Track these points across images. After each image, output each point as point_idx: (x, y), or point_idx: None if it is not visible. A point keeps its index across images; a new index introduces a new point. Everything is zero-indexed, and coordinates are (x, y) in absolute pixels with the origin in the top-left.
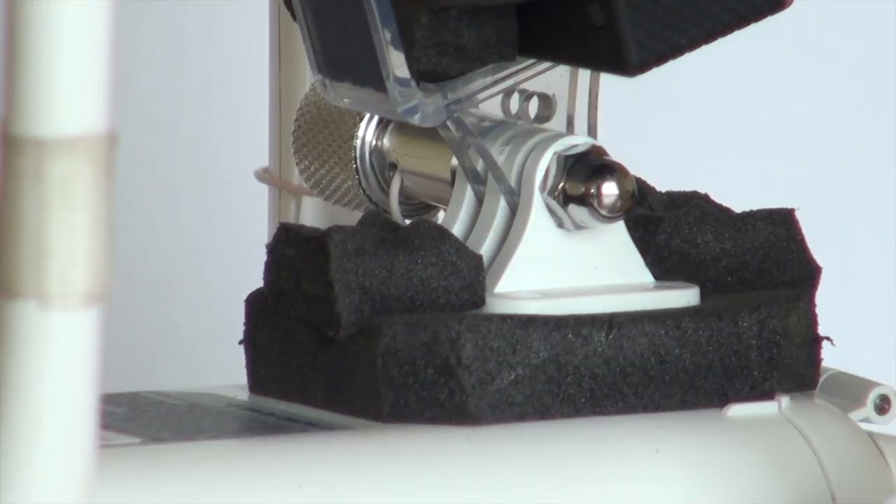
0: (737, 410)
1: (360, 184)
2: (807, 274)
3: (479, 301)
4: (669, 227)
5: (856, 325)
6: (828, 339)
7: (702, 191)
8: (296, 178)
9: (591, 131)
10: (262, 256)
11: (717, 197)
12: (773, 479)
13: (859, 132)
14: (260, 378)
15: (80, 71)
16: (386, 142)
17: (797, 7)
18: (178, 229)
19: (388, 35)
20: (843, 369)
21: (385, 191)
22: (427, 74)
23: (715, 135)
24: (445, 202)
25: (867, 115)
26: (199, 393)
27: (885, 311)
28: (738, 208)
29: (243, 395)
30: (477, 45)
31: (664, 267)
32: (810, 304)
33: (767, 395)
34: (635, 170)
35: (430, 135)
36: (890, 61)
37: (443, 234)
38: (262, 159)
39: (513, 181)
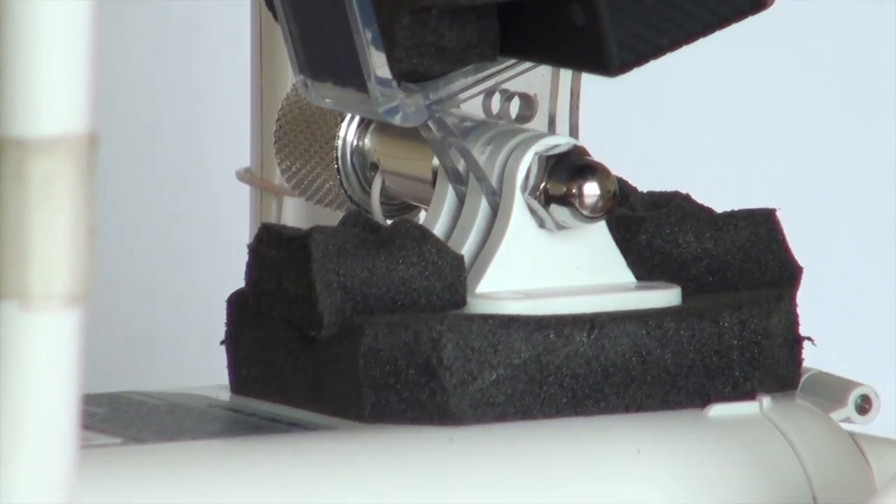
0: (718, 410)
1: (341, 184)
2: (788, 274)
3: (461, 301)
4: (651, 227)
5: (837, 325)
6: (809, 339)
7: (683, 191)
8: (277, 178)
9: (573, 131)
10: (244, 257)
11: (699, 197)
12: (755, 480)
13: (841, 133)
14: (242, 378)
15: (62, 71)
16: (367, 142)
17: (778, 7)
18: (160, 230)
19: (369, 35)
20: (824, 369)
21: (366, 191)
22: (408, 75)
23: (696, 135)
24: (427, 202)
25: (848, 116)
26: (181, 393)
27: (866, 312)
28: (719, 208)
29: (225, 395)
30: (458, 46)
31: (646, 267)
32: (791, 304)
33: (749, 396)
34: (617, 170)
35: (411, 135)
36: (870, 63)
37: (424, 234)
38: (244, 159)
39: (494, 181)
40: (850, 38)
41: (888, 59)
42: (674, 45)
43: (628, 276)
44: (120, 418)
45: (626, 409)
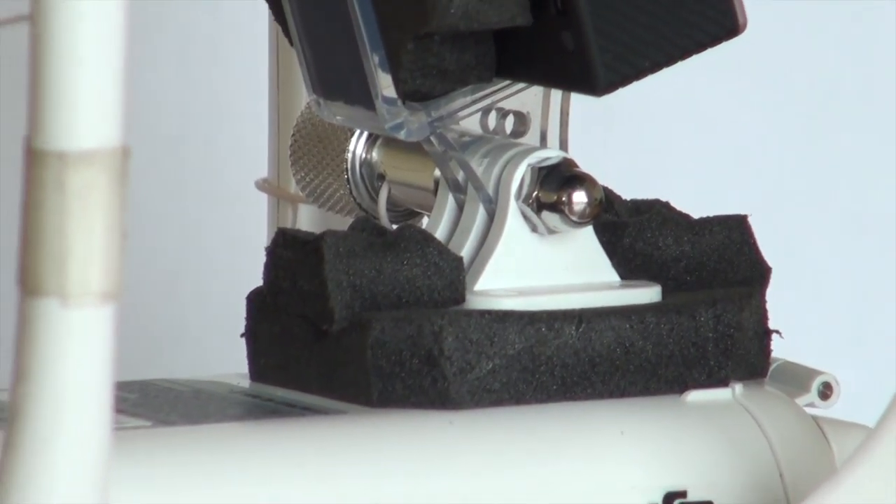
0: (694, 396)
1: (351, 193)
2: (758, 274)
3: (460, 298)
4: (634, 231)
5: (802, 319)
6: (777, 332)
7: (663, 199)
8: (293, 187)
9: (563, 145)
10: (262, 258)
11: (677, 204)
12: (727, 459)
13: (804, 147)
14: (260, 367)
15: (97, 90)
16: (375, 155)
17: (750, 33)
18: (186, 234)
19: (376, 59)
20: (790, 359)
21: (374, 199)
22: (412, 94)
23: (675, 148)
24: (429, 209)
25: (813, 130)
26: (205, 381)
27: (828, 308)
28: (696, 214)
29: (245, 382)
30: (458, 68)
31: (629, 267)
32: (761, 300)
33: (722, 383)
34: (602, 180)
35: (415, 149)
36: (833, 82)
37: (427, 237)
38: (262, 170)
39: (491, 190)
40: (815, 56)
41: (851, 77)
42: (654, 67)
43: (613, 276)
44: (150, 403)
45: (611, 395)
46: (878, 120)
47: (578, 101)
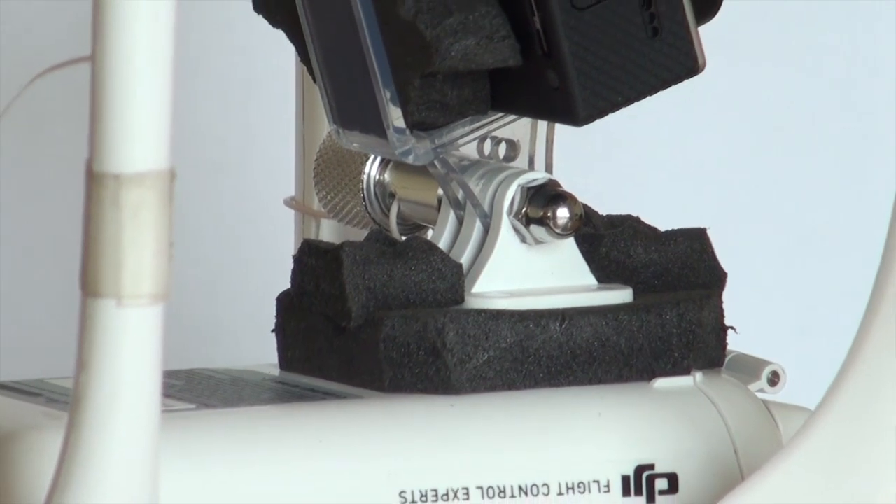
0: (661, 383)
1: (366, 209)
2: (716, 278)
3: (460, 299)
4: (609, 242)
5: (753, 317)
6: (732, 328)
7: (635, 214)
8: (316, 204)
9: (548, 168)
10: (290, 265)
11: (647, 219)
12: (689, 436)
13: (754, 169)
14: (288, 359)
15: (148, 121)
16: (386, 176)
17: (709, 68)
18: (224, 244)
19: (388, 94)
20: (743, 351)
21: (386, 214)
22: (419, 125)
23: (645, 171)
24: (433, 223)
25: (760, 155)
26: (241, 370)
27: (775, 307)
28: (662, 227)
29: (275, 372)
30: (458, 102)
31: (605, 273)
32: (719, 301)
33: (685, 372)
34: (583, 198)
35: (421, 171)
36: (779, 115)
37: (431, 247)
38: (290, 189)
39: (486, 207)
40: (767, 82)
41: (798, 105)
42: (627, 102)
43: (591, 280)
44: (193, 389)
45: (590, 382)
46: (818, 145)
47: (562, 130)
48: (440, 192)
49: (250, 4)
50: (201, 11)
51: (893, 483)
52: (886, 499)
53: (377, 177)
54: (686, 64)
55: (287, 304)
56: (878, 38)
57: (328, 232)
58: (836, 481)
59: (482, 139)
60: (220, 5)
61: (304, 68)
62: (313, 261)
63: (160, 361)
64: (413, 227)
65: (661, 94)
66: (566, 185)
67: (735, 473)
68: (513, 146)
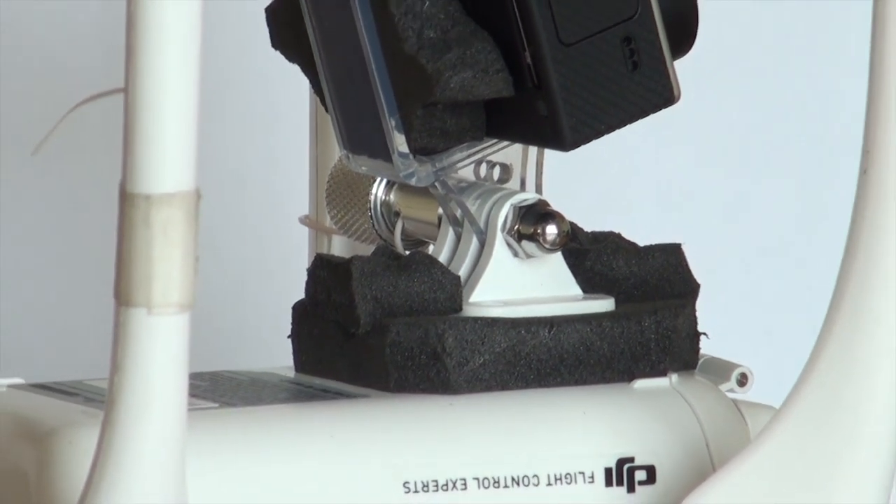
0: (640, 384)
1: (373, 226)
2: (690, 289)
3: (458, 308)
4: (593, 256)
5: (723, 323)
6: (704, 334)
7: (616, 231)
8: (328, 222)
9: (538, 189)
10: (304, 277)
11: (627, 235)
12: (666, 432)
13: (726, 190)
14: (303, 362)
15: (176, 147)
16: (392, 197)
17: (683, 99)
18: (245, 257)
19: (393, 122)
20: (714, 355)
21: (391, 231)
22: (421, 150)
23: (625, 192)
24: (434, 239)
25: (728, 176)
26: (260, 372)
27: (743, 314)
28: (641, 243)
29: (291, 374)
30: (456, 129)
31: (589, 284)
32: (692, 309)
33: (662, 374)
34: (569, 216)
35: (423, 192)
36: (743, 139)
37: (432, 261)
38: (304, 209)
39: (482, 224)
40: (732, 111)
41: (758, 130)
42: (609, 129)
43: (577, 290)
44: (217, 389)
45: (576, 383)
46: (778, 168)
47: (550, 155)
48: (440, 211)
49: (268, 40)
50: (224, 48)
51: (846, 475)
52: (841, 487)
53: (383, 197)
54: (663, 95)
55: (302, 312)
56: (838, 63)
57: (339, 247)
58: (797, 473)
59: (478, 163)
60: (242, 42)
61: (318, 99)
62: (325, 273)
63: (186, 364)
64: (416, 242)
65: (640, 121)
66: (554, 205)
67: (707, 466)
68: (506, 169)
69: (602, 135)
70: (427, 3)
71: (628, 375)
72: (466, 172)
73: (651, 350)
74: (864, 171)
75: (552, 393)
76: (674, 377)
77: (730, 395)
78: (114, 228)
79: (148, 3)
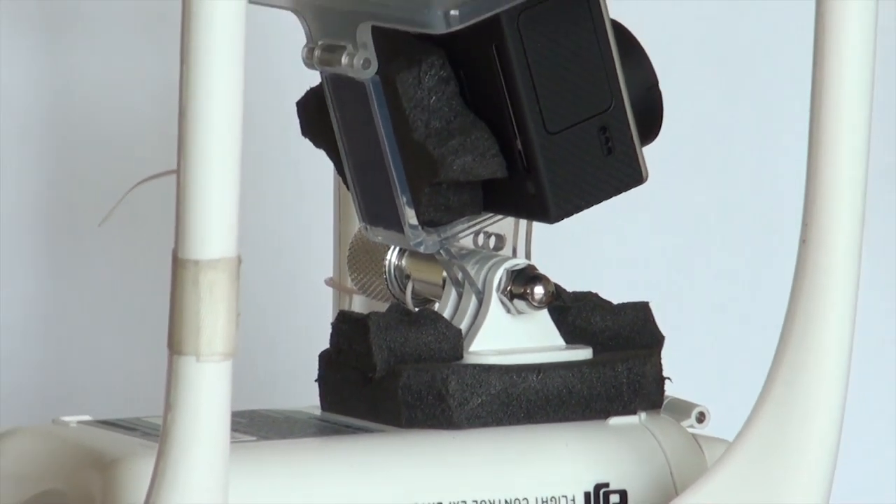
0: (615, 421)
1: (388, 287)
2: (656, 340)
3: (460, 356)
4: (574, 312)
5: (684, 369)
6: (669, 378)
7: (594, 291)
8: (349, 283)
9: (528, 256)
10: (329, 330)
11: (603, 294)
12: (636, 461)
13: (686, 258)
14: (328, 402)
15: (221, 219)
16: (404, 262)
17: (650, 180)
18: (279, 314)
19: (404, 199)
20: (677, 396)
21: (403, 291)
22: (428, 222)
23: (602, 258)
24: (439, 298)
25: (691, 248)
26: (292, 411)
27: (701, 362)
28: (615, 301)
29: (318, 412)
30: (458, 205)
31: (571, 336)
32: (659, 358)
33: (633, 413)
34: (554, 279)
35: (430, 258)
36: (699, 215)
37: (438, 316)
38: (329, 271)
39: (480, 286)
40: (691, 194)
41: (716, 204)
42: (588, 205)
43: (560, 342)
44: (255, 425)
45: (560, 420)
46: (730, 239)
47: (538, 227)
48: (445, 274)
49: (298, 129)
50: (263, 136)
51: (789, 498)
52: None
53: (396, 262)
54: (634, 176)
55: (327, 360)
56: (784, 115)
57: (359, 305)
58: (747, 497)
59: (477, 233)
60: (276, 131)
61: (340, 179)
62: (347, 327)
63: (229, 404)
64: (424, 301)
65: (614, 199)
66: (541, 269)
67: (671, 490)
68: (500, 239)
69: (582, 209)
70: (433, 98)
71: (604, 414)
72: (467, 241)
73: (623, 392)
74: (804, 241)
75: (539, 428)
76: (643, 415)
77: (690, 430)
78: (168, 288)
79: (197, 101)
